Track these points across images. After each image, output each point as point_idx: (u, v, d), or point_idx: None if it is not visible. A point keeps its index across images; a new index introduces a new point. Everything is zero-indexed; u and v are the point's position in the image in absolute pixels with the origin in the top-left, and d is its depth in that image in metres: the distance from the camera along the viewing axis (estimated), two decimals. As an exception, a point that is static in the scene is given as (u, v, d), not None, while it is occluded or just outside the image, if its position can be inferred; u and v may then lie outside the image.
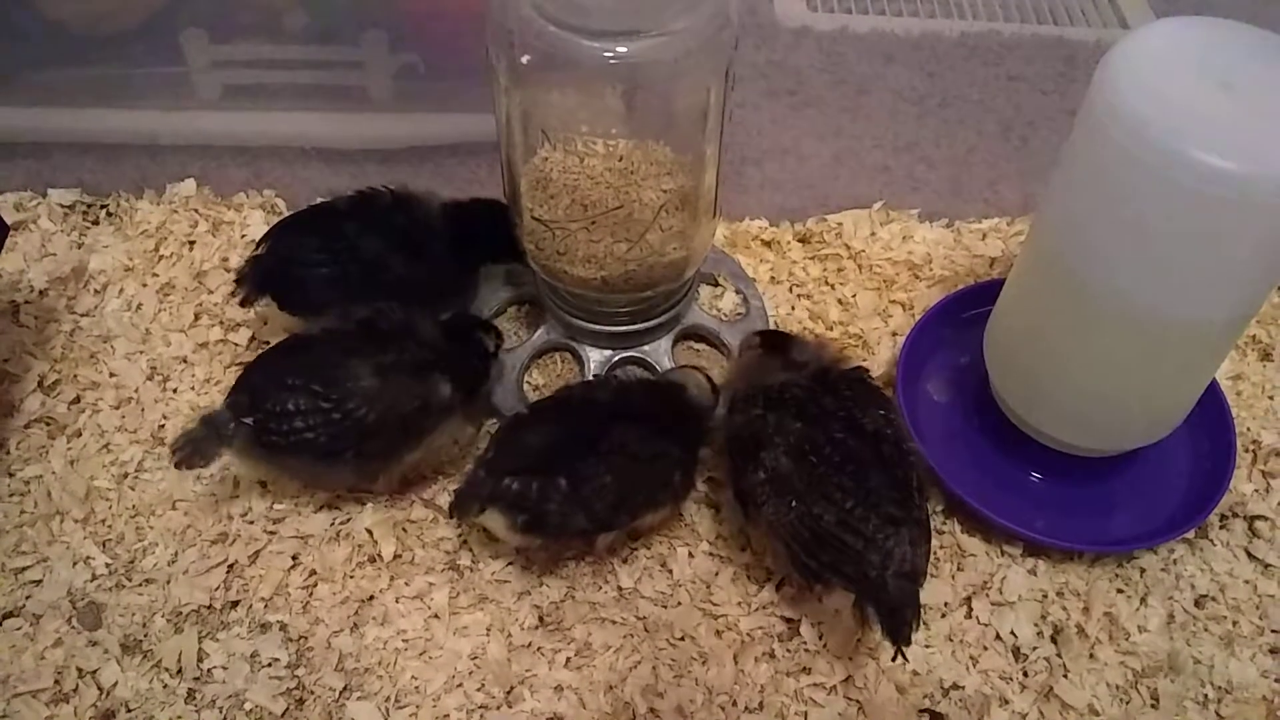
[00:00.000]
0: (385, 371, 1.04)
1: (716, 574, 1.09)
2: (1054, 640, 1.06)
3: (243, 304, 1.18)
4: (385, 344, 1.06)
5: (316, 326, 1.09)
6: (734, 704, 1.01)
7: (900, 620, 0.94)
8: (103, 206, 1.41)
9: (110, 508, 1.13)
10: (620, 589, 1.08)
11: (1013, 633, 1.06)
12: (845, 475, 0.97)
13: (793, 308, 1.32)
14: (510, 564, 1.09)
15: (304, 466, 1.08)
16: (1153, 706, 1.02)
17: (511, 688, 1.01)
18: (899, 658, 0.95)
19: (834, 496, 0.96)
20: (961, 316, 1.26)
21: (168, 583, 1.08)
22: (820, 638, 1.05)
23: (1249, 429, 1.22)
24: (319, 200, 1.30)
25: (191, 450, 1.02)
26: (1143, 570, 1.11)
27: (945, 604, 1.08)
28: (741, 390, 1.07)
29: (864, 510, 0.95)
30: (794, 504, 0.97)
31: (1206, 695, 1.03)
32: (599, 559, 1.09)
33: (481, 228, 1.20)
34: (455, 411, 1.10)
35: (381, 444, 1.06)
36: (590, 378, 1.20)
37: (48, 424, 1.19)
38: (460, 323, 1.15)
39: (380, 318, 1.09)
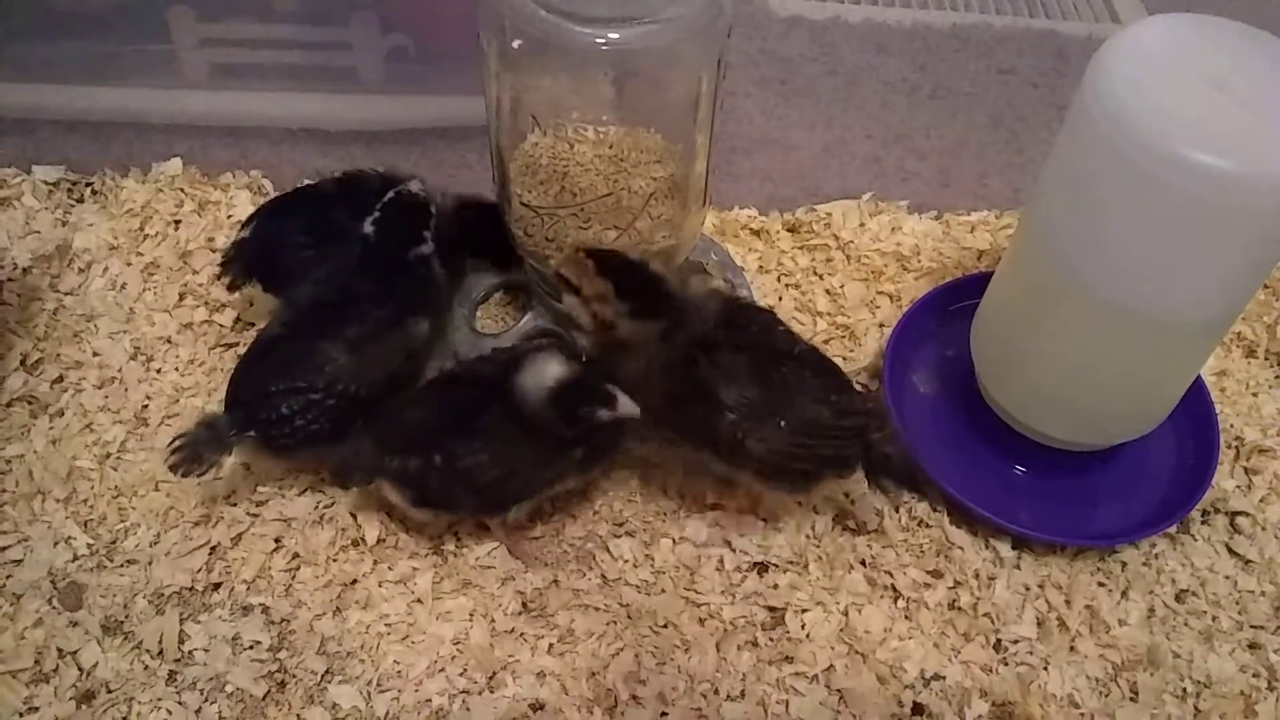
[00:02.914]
0: (358, 343, 1.04)
1: (700, 562, 1.09)
2: (1036, 632, 1.07)
3: (230, 288, 1.18)
4: (343, 316, 1.05)
5: (275, 323, 1.08)
6: (716, 692, 1.01)
7: (912, 474, 1.05)
8: (88, 184, 1.40)
9: (92, 488, 1.12)
10: (604, 576, 1.08)
11: (994, 624, 1.07)
12: (809, 378, 1.03)
13: (780, 297, 1.32)
14: (494, 550, 1.09)
15: (319, 454, 1.07)
16: (1132, 699, 1.03)
17: (494, 673, 1.01)
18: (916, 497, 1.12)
19: (818, 395, 1.02)
20: (949, 309, 1.26)
21: (149, 564, 1.07)
22: (803, 627, 1.05)
23: (1232, 425, 1.22)
24: (305, 182, 1.29)
25: (190, 454, 1.01)
26: (1124, 564, 1.12)
27: (928, 594, 1.08)
28: (654, 362, 1.03)
29: (846, 396, 1.04)
30: (782, 423, 1.00)
31: (1185, 689, 1.04)
32: (509, 539, 1.09)
33: (478, 228, 1.20)
34: (435, 339, 1.12)
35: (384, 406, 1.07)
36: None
37: (30, 403, 1.18)
38: (389, 247, 1.10)
39: (323, 291, 1.08)
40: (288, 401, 1.02)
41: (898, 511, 1.13)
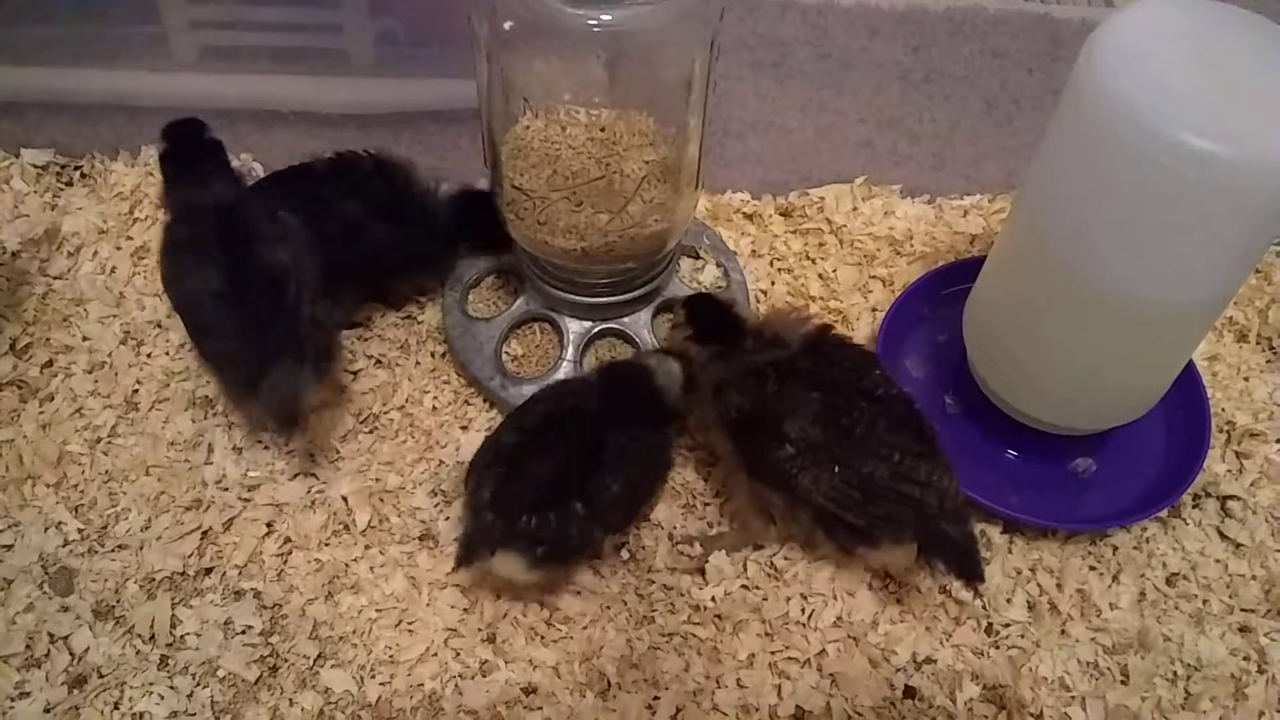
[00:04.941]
0: None
1: (694, 547, 1.09)
2: (1027, 616, 1.07)
3: None
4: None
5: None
6: (707, 676, 1.01)
7: (970, 560, 0.99)
8: (77, 168, 1.39)
9: (83, 472, 1.12)
10: (597, 561, 1.08)
11: (986, 608, 1.07)
12: (881, 432, 0.99)
13: (773, 282, 1.32)
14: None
15: None
16: (1122, 683, 1.03)
17: (486, 658, 1.01)
18: (977, 596, 1.05)
19: (880, 452, 0.98)
20: (941, 293, 1.26)
21: (141, 548, 1.07)
22: (803, 611, 1.06)
23: (1224, 409, 1.23)
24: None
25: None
26: (1115, 548, 1.12)
27: (920, 578, 1.08)
28: (732, 370, 1.05)
29: (912, 460, 0.98)
30: (836, 469, 0.98)
31: (1176, 672, 1.04)
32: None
33: (470, 221, 1.21)
34: None
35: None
36: (569, 360, 1.19)
37: (19, 387, 1.18)
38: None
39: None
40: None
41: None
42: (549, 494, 0.98)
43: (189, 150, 1.12)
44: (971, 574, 0.99)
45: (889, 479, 0.98)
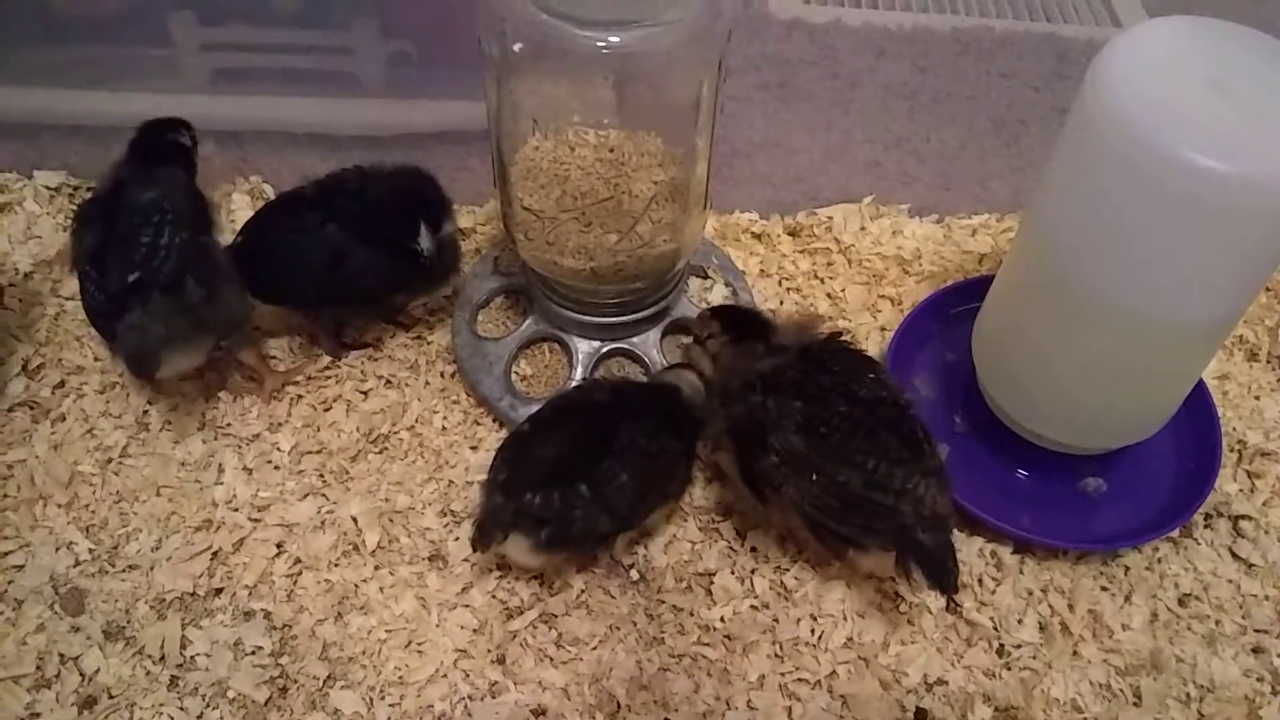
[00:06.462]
0: None
1: (704, 568, 1.09)
2: (1038, 637, 1.06)
3: None
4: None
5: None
6: (717, 698, 1.01)
7: (943, 570, 0.97)
8: (89, 189, 1.40)
9: (94, 493, 1.12)
10: (606, 581, 1.07)
11: (997, 629, 1.06)
12: (859, 440, 0.98)
13: (781, 301, 1.32)
14: (490, 554, 1.08)
15: None
16: (1135, 704, 1.03)
17: (496, 679, 1.01)
18: (951, 604, 1.03)
19: (854, 460, 0.98)
20: (950, 313, 1.26)
21: (151, 569, 1.07)
22: (813, 632, 1.05)
23: (1234, 429, 1.22)
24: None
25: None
26: (1127, 568, 1.11)
27: (931, 599, 1.08)
28: (733, 380, 1.06)
29: (887, 467, 0.97)
30: (815, 477, 0.98)
31: (1189, 693, 1.04)
32: (612, 561, 1.09)
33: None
34: None
35: None
36: (578, 380, 1.19)
37: (31, 408, 1.18)
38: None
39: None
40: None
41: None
42: (555, 474, 0.99)
43: (154, 140, 1.18)
44: (943, 583, 0.98)
45: (863, 487, 0.97)
